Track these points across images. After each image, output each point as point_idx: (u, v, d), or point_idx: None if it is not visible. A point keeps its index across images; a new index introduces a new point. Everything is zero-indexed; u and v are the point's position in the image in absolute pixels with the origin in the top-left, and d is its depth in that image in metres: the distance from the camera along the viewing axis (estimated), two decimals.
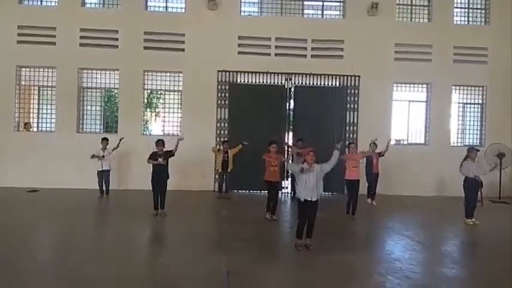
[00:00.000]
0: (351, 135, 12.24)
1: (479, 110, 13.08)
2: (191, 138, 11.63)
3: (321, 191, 6.30)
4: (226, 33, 12.07)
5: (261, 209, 8.55)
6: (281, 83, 12.21)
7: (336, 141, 6.94)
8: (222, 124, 12.13)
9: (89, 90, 12.38)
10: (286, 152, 11.64)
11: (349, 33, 12.30)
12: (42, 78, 12.08)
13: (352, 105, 12.33)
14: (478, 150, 8.77)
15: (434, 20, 12.67)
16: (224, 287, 4.76)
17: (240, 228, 7.72)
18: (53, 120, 12.08)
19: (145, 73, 12.21)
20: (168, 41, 12.07)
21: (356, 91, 12.30)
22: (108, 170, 10.58)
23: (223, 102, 12.14)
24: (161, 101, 15.17)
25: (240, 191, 11.87)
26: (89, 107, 12.41)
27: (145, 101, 14.29)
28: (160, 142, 8.46)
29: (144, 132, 13.16)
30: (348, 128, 12.31)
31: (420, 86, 12.87)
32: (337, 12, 12.95)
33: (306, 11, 12.92)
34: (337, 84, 12.39)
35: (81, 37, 11.91)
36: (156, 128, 17.11)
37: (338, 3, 12.82)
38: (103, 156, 10.38)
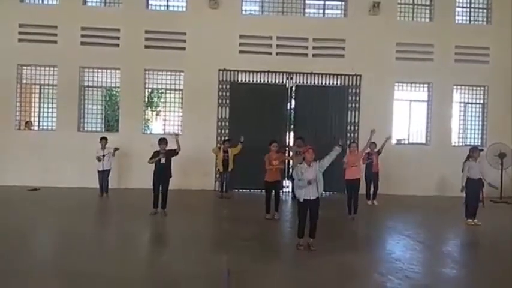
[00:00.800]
0: (352, 135, 12.23)
1: (480, 109, 13.06)
2: (192, 137, 11.68)
3: (321, 189, 6.20)
4: (228, 32, 12.06)
5: (262, 208, 8.54)
6: (282, 82, 12.20)
7: (337, 137, 6.89)
8: (223, 123, 12.13)
9: (90, 88, 12.38)
10: (286, 152, 11.64)
11: (350, 33, 12.28)
12: (43, 76, 12.09)
13: (353, 105, 12.32)
14: (482, 150, 8.73)
15: (435, 20, 12.64)
16: (225, 287, 4.76)
17: (241, 227, 7.72)
18: (54, 119, 12.09)
19: (146, 72, 12.20)
20: (169, 40, 12.06)
21: (357, 90, 12.29)
22: (109, 170, 10.53)
23: (224, 101, 12.13)
24: (162, 99, 15.17)
25: (240, 191, 11.87)
26: (90, 106, 12.41)
27: (146, 99, 14.28)
28: (163, 141, 8.46)
29: (145, 131, 13.16)
30: (349, 127, 12.30)
31: (421, 85, 12.84)
32: (339, 12, 12.93)
33: (307, 10, 12.90)
34: (339, 84, 12.37)
35: (82, 36, 11.91)
36: (157, 127, 17.12)
37: (339, 3, 12.80)
38: (103, 155, 10.35)
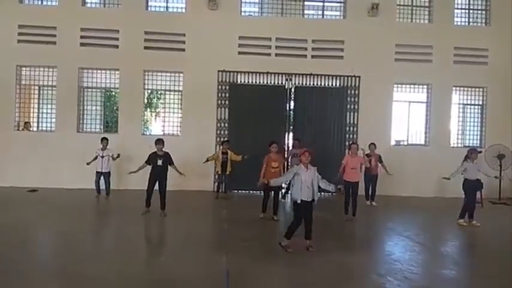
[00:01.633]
0: (351, 136, 12.25)
1: (479, 111, 13.09)
2: (191, 138, 11.71)
3: (316, 195, 6.24)
4: (227, 33, 12.07)
5: (261, 209, 8.55)
6: (281, 83, 12.21)
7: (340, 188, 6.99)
8: (222, 124, 12.13)
9: (89, 90, 12.38)
10: (286, 153, 11.67)
11: (349, 34, 12.31)
12: (42, 77, 12.08)
13: (352, 106, 12.33)
14: (480, 152, 8.74)
15: (434, 21, 12.67)
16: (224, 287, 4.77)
17: (240, 228, 7.72)
18: (53, 120, 12.07)
19: (146, 73, 12.21)
20: (169, 41, 12.07)
21: (356, 92, 12.31)
22: (109, 172, 10.46)
23: (223, 102, 12.14)
24: (161, 101, 15.18)
25: (240, 192, 11.87)
26: (89, 107, 12.40)
27: (146, 101, 14.29)
28: (160, 141, 8.41)
29: (144, 132, 13.16)
30: (348, 128, 12.32)
31: (420, 86, 12.87)
32: (338, 13, 12.95)
33: (306, 12, 12.92)
34: (338, 85, 12.39)
35: (82, 37, 11.91)
36: (156, 128, 17.13)
37: (338, 4, 12.82)
38: (102, 156, 10.31)
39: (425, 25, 12.82)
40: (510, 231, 8.57)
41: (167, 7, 12.60)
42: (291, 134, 12.37)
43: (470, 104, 13.16)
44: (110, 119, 13.55)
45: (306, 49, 12.31)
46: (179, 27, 12.05)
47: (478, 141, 12.97)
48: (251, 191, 11.74)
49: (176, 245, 6.61)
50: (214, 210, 9.98)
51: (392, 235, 7.78)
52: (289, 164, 10.73)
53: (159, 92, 14.95)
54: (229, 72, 12.08)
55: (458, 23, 13.04)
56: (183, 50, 12.09)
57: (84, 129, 12.27)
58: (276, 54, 12.24)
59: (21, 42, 11.78)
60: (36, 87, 12.37)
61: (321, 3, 12.81)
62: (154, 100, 17.88)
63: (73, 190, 11.00)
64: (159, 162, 8.33)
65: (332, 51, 12.35)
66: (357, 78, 12.26)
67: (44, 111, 12.33)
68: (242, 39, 12.17)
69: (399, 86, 12.68)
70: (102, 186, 10.52)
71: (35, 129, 12.42)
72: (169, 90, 12.59)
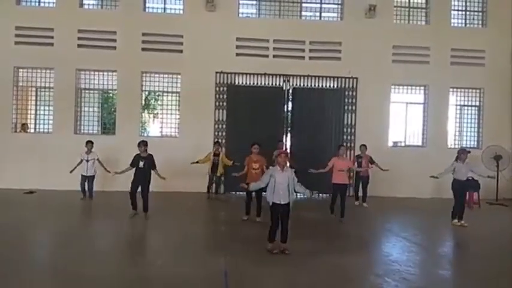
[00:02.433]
0: (349, 137, 12.28)
1: (476, 112, 13.13)
2: (189, 140, 11.69)
3: (292, 198, 6.14)
4: (225, 35, 12.08)
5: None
6: (279, 84, 12.23)
7: (314, 192, 6.60)
8: (220, 125, 12.13)
9: (87, 91, 12.36)
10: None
11: (346, 36, 12.34)
12: (39, 79, 12.06)
13: (349, 107, 12.36)
14: (469, 152, 8.76)
15: (431, 23, 12.72)
16: None
17: (238, 230, 7.71)
18: (51, 122, 12.05)
19: (143, 74, 12.20)
20: (166, 43, 12.06)
21: (354, 93, 12.33)
22: (93, 176, 10.35)
23: (221, 103, 12.14)
24: (159, 102, 15.14)
25: (237, 193, 11.81)
26: (86, 108, 12.39)
27: (143, 102, 14.27)
28: (143, 143, 8.29)
29: (142, 134, 13.12)
30: (345, 129, 12.34)
31: (418, 88, 12.91)
32: (335, 15, 12.98)
33: (303, 13, 12.94)
34: (335, 86, 12.42)
35: (79, 38, 11.90)
36: (154, 129, 17.11)
37: (336, 6, 12.85)
38: (87, 160, 10.21)
39: (422, 26, 12.87)
40: (507, 232, 8.59)
41: (165, 8, 12.59)
42: (288, 136, 12.37)
43: (467, 105, 13.20)
44: (107, 120, 13.53)
45: (303, 50, 12.33)
46: (177, 29, 12.05)
47: (475, 142, 13.01)
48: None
49: (172, 247, 6.56)
50: (213, 211, 9.98)
51: (389, 236, 7.79)
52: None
53: (157, 94, 14.90)
54: (227, 73, 12.09)
55: (455, 25, 13.09)
56: (181, 51, 12.09)
57: (82, 131, 12.25)
58: (274, 56, 12.26)
59: (18, 44, 11.76)
60: (34, 89, 12.35)
61: (318, 5, 12.84)
62: (152, 101, 17.85)
63: (70, 192, 10.93)
64: (141, 164, 8.20)
65: (329, 52, 12.37)
66: (355, 80, 12.29)
67: (42, 112, 12.31)
68: (240, 41, 12.18)
69: (396, 87, 12.72)
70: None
71: (32, 130, 12.39)
72: (167, 92, 12.58)
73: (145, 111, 16.62)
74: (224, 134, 12.08)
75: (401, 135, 13.08)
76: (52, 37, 11.83)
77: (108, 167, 9.98)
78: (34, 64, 11.90)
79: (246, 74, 12.13)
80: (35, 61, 11.81)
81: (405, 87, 12.79)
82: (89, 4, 12.60)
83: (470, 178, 9.70)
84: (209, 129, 12.04)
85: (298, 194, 6.58)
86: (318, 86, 12.31)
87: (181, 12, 12.35)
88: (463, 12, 13.20)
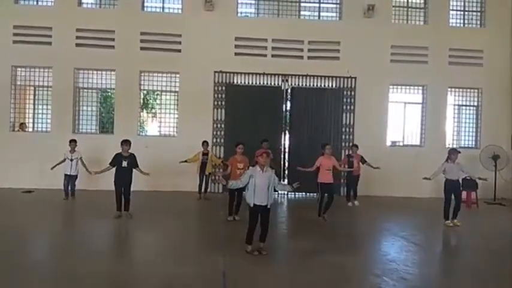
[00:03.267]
0: (347, 137, 12.30)
1: (474, 111, 13.16)
2: (187, 139, 11.66)
3: (271, 199, 5.96)
4: (223, 34, 12.07)
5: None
6: (278, 84, 12.23)
7: (296, 184, 6.28)
8: (219, 125, 12.13)
9: (85, 90, 12.35)
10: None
11: (345, 35, 12.35)
12: (38, 78, 12.04)
13: (348, 107, 12.37)
14: (459, 152, 8.76)
15: (430, 22, 12.74)
16: None
17: (237, 229, 7.69)
18: (49, 121, 12.03)
19: (142, 74, 12.19)
20: (165, 42, 12.06)
21: (352, 93, 12.34)
22: (76, 176, 10.29)
23: (219, 103, 12.14)
24: (157, 101, 15.13)
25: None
26: (84, 108, 12.37)
27: (142, 101, 14.26)
28: (126, 142, 8.21)
29: (140, 133, 13.13)
30: (344, 129, 12.35)
31: (416, 87, 12.93)
32: (334, 14, 12.99)
33: (302, 13, 12.94)
34: (334, 86, 12.43)
35: (78, 37, 11.88)
36: (152, 128, 17.10)
37: (334, 5, 12.86)
38: (71, 159, 10.13)
39: (420, 26, 12.88)
40: (505, 232, 8.60)
41: (163, 8, 12.58)
42: (287, 135, 12.38)
43: (466, 105, 13.23)
44: (105, 119, 13.51)
45: (302, 50, 12.33)
46: (175, 28, 12.04)
47: (473, 142, 13.04)
48: (244, 192, 11.66)
49: (170, 247, 6.56)
50: (213, 211, 9.95)
51: (388, 235, 7.80)
52: None
53: (155, 93, 14.91)
54: (226, 73, 12.09)
55: (454, 25, 13.11)
56: (179, 50, 12.08)
57: (80, 130, 12.23)
58: (272, 55, 12.26)
59: (16, 43, 11.73)
60: (32, 88, 12.31)
61: (317, 5, 12.85)
62: (151, 101, 17.85)
63: None
64: (124, 163, 8.10)
65: (328, 52, 12.38)
66: (353, 79, 12.30)
67: (40, 112, 12.28)
68: (238, 40, 12.18)
69: (395, 87, 12.74)
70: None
71: (30, 130, 12.37)
72: (166, 91, 12.58)
73: (144, 110, 16.62)
74: (223, 133, 12.08)
75: (400, 135, 13.10)
76: (50, 36, 11.81)
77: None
78: (32, 63, 11.88)
79: (245, 73, 12.13)
80: (33, 60, 11.79)
81: (403, 87, 12.81)
82: (87, 3, 12.57)
83: (468, 178, 9.71)
84: (208, 129, 12.04)
85: (285, 192, 6.43)
86: (317, 85, 12.32)
87: (180, 11, 12.34)
88: (462, 12, 13.22)
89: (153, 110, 17.69)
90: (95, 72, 12.18)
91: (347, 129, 12.36)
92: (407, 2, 12.95)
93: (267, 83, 12.19)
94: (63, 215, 9.17)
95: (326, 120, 12.29)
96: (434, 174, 8.74)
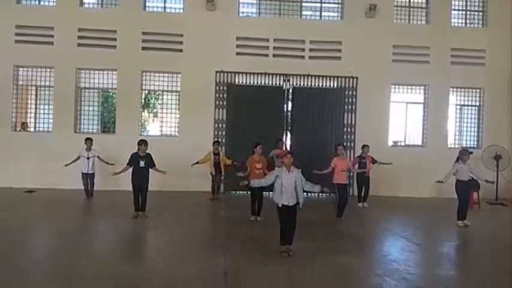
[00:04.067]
0: (349, 137, 12.28)
1: (476, 111, 13.13)
2: (189, 139, 11.67)
3: (301, 198, 6.02)
4: (225, 34, 12.07)
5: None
6: (279, 84, 12.22)
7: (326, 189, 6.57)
8: (220, 125, 12.13)
9: (87, 90, 12.35)
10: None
11: (347, 35, 12.33)
12: (39, 78, 12.05)
13: (350, 107, 12.35)
14: (471, 153, 8.72)
15: (432, 22, 12.72)
16: None
17: (239, 229, 7.70)
18: (51, 120, 12.05)
19: (143, 73, 12.19)
20: (166, 42, 12.06)
21: (354, 92, 12.33)
22: (93, 174, 10.34)
23: (221, 103, 12.14)
24: (159, 101, 15.15)
25: (236, 193, 11.77)
26: (86, 107, 12.37)
27: (143, 101, 14.27)
28: (143, 142, 8.25)
29: (142, 133, 13.11)
30: (345, 129, 12.34)
31: (418, 87, 12.91)
32: (335, 14, 12.98)
33: (304, 13, 12.94)
34: (335, 86, 12.41)
35: (79, 37, 11.89)
36: (153, 128, 17.11)
37: (336, 5, 12.85)
38: (88, 158, 10.17)
39: (422, 26, 12.87)
40: (507, 232, 8.58)
41: (165, 7, 12.57)
42: (288, 135, 12.37)
43: (467, 105, 13.21)
44: (107, 119, 13.52)
45: (303, 50, 12.32)
46: (177, 28, 12.04)
47: (475, 142, 13.01)
48: (248, 192, 11.63)
49: (173, 246, 6.57)
50: (213, 211, 9.98)
51: (389, 235, 7.79)
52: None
53: (157, 93, 14.92)
54: (227, 72, 12.09)
55: (455, 24, 13.09)
56: (181, 50, 12.08)
57: (82, 130, 12.24)
58: (274, 55, 12.26)
59: (18, 43, 11.75)
60: (34, 88, 12.34)
61: (318, 4, 12.84)
62: (152, 101, 17.87)
63: (70, 191, 10.93)
64: (142, 163, 8.16)
65: (330, 52, 12.37)
66: (355, 79, 12.28)
67: (41, 111, 12.31)
68: (240, 40, 12.17)
69: (396, 86, 12.73)
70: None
71: (32, 129, 12.38)
72: (167, 91, 12.58)
73: (145, 110, 16.63)
74: (224, 133, 12.07)
75: (401, 134, 13.09)
76: (52, 36, 11.82)
77: (119, 166, 9.98)
78: (34, 63, 11.89)
79: (246, 73, 12.12)
80: (35, 60, 11.80)
81: (405, 86, 12.80)
82: (89, 3, 12.58)
83: (470, 178, 9.68)
84: (209, 129, 12.03)
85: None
86: (318, 85, 12.30)
87: (182, 11, 12.34)
88: (463, 12, 13.19)
89: (155, 110, 17.70)
90: (96, 72, 12.19)
91: (348, 129, 12.35)
92: (409, 1, 12.93)
93: (269, 83, 12.18)
94: (77, 215, 9.15)
95: (327, 120, 12.28)
96: (446, 177, 8.64)
